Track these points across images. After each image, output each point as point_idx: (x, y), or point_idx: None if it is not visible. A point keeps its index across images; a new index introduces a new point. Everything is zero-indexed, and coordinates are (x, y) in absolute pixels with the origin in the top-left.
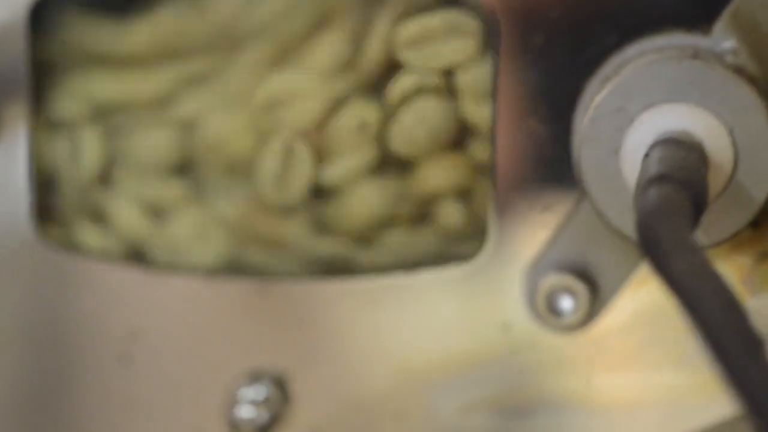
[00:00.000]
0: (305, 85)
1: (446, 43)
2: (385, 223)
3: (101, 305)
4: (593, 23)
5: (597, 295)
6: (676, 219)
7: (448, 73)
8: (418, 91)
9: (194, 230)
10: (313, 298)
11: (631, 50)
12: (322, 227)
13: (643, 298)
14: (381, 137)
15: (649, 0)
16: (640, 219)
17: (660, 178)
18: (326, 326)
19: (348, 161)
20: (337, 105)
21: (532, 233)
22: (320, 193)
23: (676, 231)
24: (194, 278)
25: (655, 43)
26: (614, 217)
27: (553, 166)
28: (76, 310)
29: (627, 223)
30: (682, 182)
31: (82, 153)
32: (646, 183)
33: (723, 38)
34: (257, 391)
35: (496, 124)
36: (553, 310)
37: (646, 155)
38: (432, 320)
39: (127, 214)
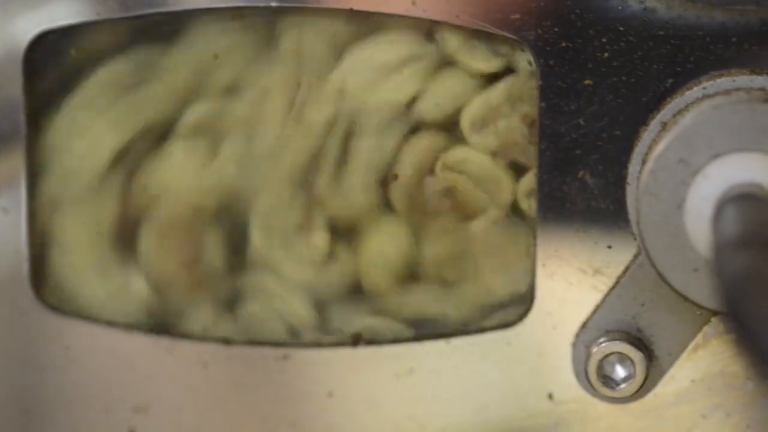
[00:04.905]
0: None
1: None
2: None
3: (107, 373)
4: (648, 63)
5: (654, 362)
6: (765, 290)
7: None
8: None
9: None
10: (338, 366)
11: (692, 94)
12: None
13: (701, 364)
14: None
15: (710, 37)
16: (725, 291)
17: (742, 244)
18: (353, 397)
19: None
20: None
21: (582, 296)
22: None
23: (766, 304)
24: (207, 344)
25: (719, 86)
26: (676, 279)
27: (604, 223)
28: (80, 378)
29: (691, 285)
30: (766, 246)
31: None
32: (728, 248)
33: None
34: None
35: (540, 176)
36: (606, 379)
37: (718, 213)
38: (470, 390)
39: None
